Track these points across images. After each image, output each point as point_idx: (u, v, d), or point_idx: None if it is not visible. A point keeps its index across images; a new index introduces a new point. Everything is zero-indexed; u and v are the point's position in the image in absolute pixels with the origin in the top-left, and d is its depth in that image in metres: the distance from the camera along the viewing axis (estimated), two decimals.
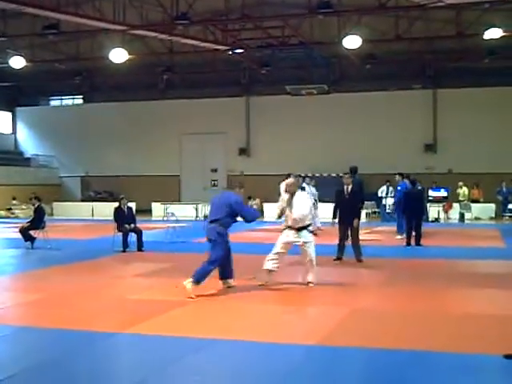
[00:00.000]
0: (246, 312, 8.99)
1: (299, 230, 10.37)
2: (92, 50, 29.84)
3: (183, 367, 6.51)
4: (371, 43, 26.52)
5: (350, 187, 13.79)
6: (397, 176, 19.68)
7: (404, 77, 32.64)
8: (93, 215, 32.36)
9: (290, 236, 10.41)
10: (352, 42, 23.41)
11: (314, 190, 21.43)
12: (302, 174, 22.05)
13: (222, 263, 10.19)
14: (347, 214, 13.54)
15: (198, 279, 9.72)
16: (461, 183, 28.73)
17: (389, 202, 25.87)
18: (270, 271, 10.51)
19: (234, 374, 6.31)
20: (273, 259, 10.45)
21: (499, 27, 23.34)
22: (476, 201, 29.29)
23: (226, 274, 10.47)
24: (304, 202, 10.59)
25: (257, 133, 34.87)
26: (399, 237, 18.54)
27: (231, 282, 10.49)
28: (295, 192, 10.53)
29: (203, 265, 9.88)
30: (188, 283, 9.66)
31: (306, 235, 10.43)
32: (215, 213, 10.10)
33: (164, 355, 6.87)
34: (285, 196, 10.57)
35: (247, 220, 10.17)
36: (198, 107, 35.05)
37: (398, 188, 19.43)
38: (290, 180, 11.48)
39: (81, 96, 38.81)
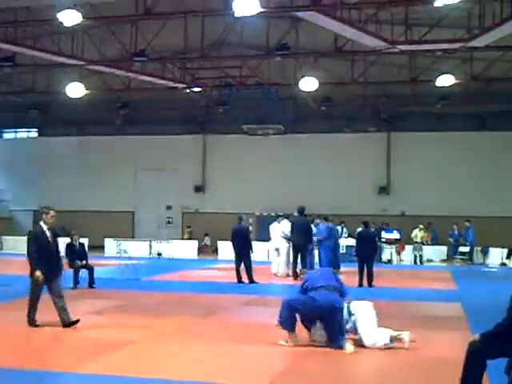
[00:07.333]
0: (196, 352, 8.84)
1: None
2: (48, 83, 29.54)
3: None
4: (327, 86, 26.93)
5: None
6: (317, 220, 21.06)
7: (359, 120, 33.17)
8: None
9: None
10: (308, 84, 23.77)
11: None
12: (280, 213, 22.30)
13: None
14: None
15: None
16: (421, 226, 28.88)
17: (343, 242, 26.32)
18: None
19: None
20: None
21: (451, 74, 23.97)
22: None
23: None
24: None
25: (213, 170, 34.90)
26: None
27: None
28: None
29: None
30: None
31: None
32: None
33: None
34: None
35: None
36: (154, 144, 34.96)
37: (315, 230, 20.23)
38: None
39: (36, 129, 38.36)
